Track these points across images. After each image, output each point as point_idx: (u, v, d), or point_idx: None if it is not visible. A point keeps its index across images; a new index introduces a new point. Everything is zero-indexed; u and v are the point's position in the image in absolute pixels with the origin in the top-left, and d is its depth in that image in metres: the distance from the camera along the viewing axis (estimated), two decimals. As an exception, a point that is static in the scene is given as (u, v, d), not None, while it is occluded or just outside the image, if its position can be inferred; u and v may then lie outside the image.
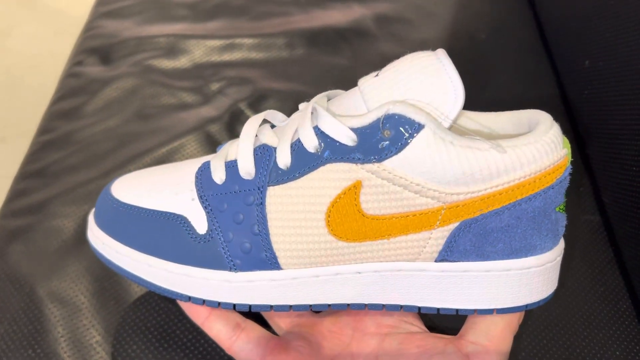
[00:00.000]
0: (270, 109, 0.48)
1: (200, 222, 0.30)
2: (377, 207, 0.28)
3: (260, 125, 0.31)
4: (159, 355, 0.35)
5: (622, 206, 0.41)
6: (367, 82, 0.29)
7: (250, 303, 0.30)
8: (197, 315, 0.32)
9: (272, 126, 0.32)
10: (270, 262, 0.29)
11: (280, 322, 0.33)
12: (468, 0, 0.61)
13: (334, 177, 0.28)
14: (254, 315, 0.33)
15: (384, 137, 0.27)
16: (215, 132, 0.48)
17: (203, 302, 0.31)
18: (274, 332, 0.34)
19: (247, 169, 0.29)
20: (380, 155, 0.27)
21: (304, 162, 0.28)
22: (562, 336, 0.37)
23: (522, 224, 0.28)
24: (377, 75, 0.29)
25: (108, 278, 0.39)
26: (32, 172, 0.46)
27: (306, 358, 0.30)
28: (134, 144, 0.47)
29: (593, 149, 0.46)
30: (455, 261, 0.29)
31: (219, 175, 0.30)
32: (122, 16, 0.59)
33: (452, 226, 0.28)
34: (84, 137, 0.48)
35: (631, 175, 0.39)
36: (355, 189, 0.28)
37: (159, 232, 0.31)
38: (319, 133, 0.28)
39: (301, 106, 0.32)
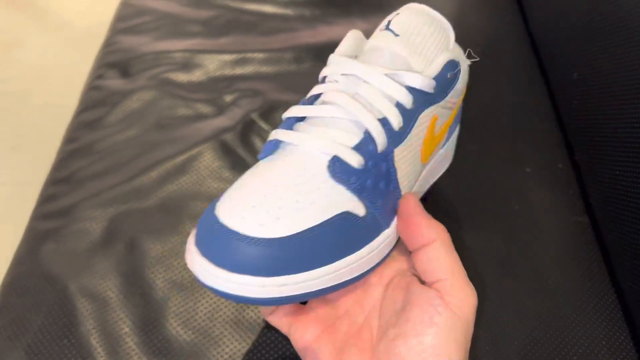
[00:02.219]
0: (280, 119, 0.52)
1: (358, 207, 0.30)
2: (438, 127, 0.36)
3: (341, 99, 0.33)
4: (183, 343, 0.38)
5: (608, 208, 0.44)
6: (394, 43, 0.34)
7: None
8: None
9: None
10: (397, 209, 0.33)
11: None
12: (464, 16, 0.65)
13: (425, 122, 0.34)
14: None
15: (448, 79, 0.35)
16: (229, 140, 0.51)
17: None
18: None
19: (383, 144, 0.32)
20: (446, 92, 0.35)
21: (408, 118, 0.33)
22: (554, 326, 0.40)
23: None
24: (397, 35, 0.34)
25: (134, 275, 0.42)
26: (60, 179, 0.49)
27: (321, 315, 0.34)
28: (154, 152, 0.50)
29: (581, 155, 0.49)
30: None
31: (357, 160, 0.30)
32: (139, 32, 0.62)
33: None
34: (106, 145, 0.51)
35: (616, 179, 0.42)
36: (433, 121, 0.35)
37: (326, 241, 0.29)
38: (410, 89, 0.33)
39: (333, 59, 0.35)
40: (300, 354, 0.33)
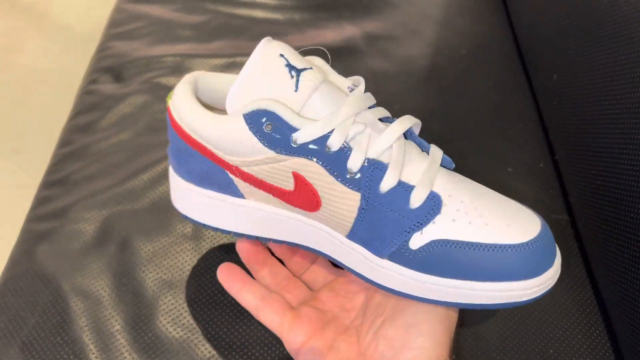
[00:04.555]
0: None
1: None
2: None
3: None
4: (173, 340, 0.40)
5: (586, 206, 0.45)
6: (322, 72, 0.33)
7: None
8: (232, 287, 0.38)
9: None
10: None
11: (292, 299, 0.39)
12: (451, 19, 0.66)
13: None
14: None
15: None
16: (219, 143, 0.52)
17: None
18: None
19: None
20: None
21: None
22: (531, 321, 0.42)
23: None
24: (312, 68, 0.32)
25: (125, 274, 0.43)
26: (54, 181, 0.51)
27: (314, 322, 0.36)
28: (146, 155, 0.52)
29: (561, 155, 0.50)
30: None
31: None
32: (132, 38, 0.64)
33: None
34: (100, 149, 0.53)
35: (592, 178, 0.44)
36: None
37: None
38: None
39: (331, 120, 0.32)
40: (292, 353, 0.36)
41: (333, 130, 0.31)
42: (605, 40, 0.43)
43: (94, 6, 1.44)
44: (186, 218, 0.40)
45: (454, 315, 0.34)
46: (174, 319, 0.41)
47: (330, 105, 0.32)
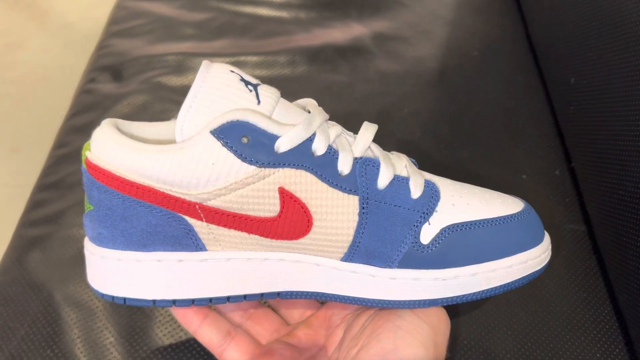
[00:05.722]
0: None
1: None
2: None
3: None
4: (167, 355, 0.38)
5: (605, 216, 0.43)
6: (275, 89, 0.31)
7: None
8: (190, 323, 0.33)
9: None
10: None
11: (263, 332, 0.35)
12: (462, 20, 0.64)
13: None
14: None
15: None
16: (220, 146, 0.50)
17: None
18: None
19: None
20: None
21: None
22: (546, 339, 0.39)
23: None
24: (258, 84, 0.30)
25: (120, 283, 0.41)
26: (48, 184, 0.49)
27: (287, 357, 0.32)
28: (144, 158, 0.50)
29: (578, 162, 0.48)
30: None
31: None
32: (132, 35, 0.62)
33: None
34: (97, 150, 0.51)
35: (613, 187, 0.42)
36: None
37: None
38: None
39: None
40: None
41: (315, 134, 0.29)
42: (629, 43, 0.41)
43: (96, 3, 1.42)
44: (126, 302, 0.31)
45: (441, 339, 0.30)
46: (170, 331, 0.39)
47: (294, 119, 0.29)
